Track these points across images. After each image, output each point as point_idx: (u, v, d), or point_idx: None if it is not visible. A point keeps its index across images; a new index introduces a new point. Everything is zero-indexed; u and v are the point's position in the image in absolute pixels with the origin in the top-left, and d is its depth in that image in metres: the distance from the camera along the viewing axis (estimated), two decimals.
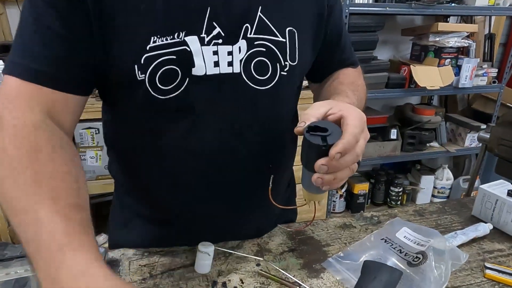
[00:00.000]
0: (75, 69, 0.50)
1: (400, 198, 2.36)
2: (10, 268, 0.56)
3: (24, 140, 0.43)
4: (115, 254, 0.64)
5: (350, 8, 1.76)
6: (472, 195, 1.22)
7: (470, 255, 0.66)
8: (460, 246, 0.68)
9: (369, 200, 2.42)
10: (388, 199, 2.39)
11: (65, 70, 0.49)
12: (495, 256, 0.66)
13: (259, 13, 0.55)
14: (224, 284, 0.57)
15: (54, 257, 0.36)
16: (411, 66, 1.99)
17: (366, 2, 1.85)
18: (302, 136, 0.48)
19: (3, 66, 1.39)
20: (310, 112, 0.50)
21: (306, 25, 0.61)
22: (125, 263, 0.62)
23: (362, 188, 2.28)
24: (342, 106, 0.51)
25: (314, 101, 0.75)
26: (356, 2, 1.82)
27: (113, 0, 0.48)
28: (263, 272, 0.60)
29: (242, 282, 0.58)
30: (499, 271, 0.61)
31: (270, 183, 0.58)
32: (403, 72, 2.06)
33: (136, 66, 0.50)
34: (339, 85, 0.67)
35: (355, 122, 0.48)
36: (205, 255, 0.58)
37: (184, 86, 0.53)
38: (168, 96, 0.53)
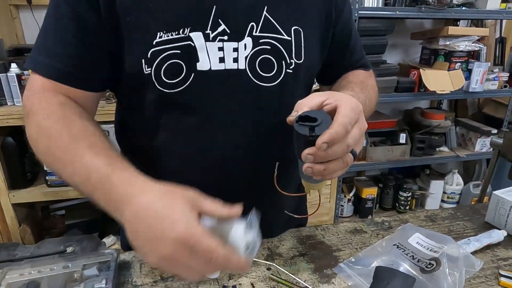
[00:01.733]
0: (92, 67, 0.55)
1: (409, 203, 2.34)
2: (23, 269, 0.57)
3: (54, 114, 0.51)
4: (126, 256, 0.64)
5: (360, 12, 1.76)
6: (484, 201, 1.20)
7: (484, 262, 0.65)
8: (473, 253, 0.67)
9: (378, 205, 2.40)
10: (397, 204, 2.36)
11: (82, 69, 0.54)
12: (510, 264, 0.65)
13: (264, 12, 0.56)
14: (234, 287, 0.57)
15: (105, 184, 0.45)
16: (421, 70, 1.98)
17: (375, 6, 1.84)
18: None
19: (16, 69, 1.42)
20: (304, 101, 0.49)
21: (313, 25, 0.62)
22: (136, 265, 0.62)
23: (370, 192, 2.26)
24: (338, 96, 0.49)
25: None
26: (366, 6, 1.82)
27: (124, 2, 0.52)
28: (273, 277, 0.59)
29: (253, 286, 0.58)
30: None
31: (276, 170, 0.57)
32: (413, 76, 2.05)
33: (143, 60, 0.53)
34: (347, 84, 0.67)
35: (346, 112, 0.46)
36: None
37: (189, 81, 0.55)
38: (173, 90, 0.55)
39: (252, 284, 0.58)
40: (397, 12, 1.82)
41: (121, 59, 0.54)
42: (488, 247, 0.69)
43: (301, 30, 0.60)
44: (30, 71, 0.56)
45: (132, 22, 0.52)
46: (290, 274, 0.60)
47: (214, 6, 0.54)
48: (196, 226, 0.39)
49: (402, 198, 2.32)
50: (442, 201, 2.42)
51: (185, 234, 0.38)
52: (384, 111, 2.32)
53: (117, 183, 0.44)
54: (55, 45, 0.53)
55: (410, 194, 2.32)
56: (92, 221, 1.78)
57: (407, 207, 2.34)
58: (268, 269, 0.62)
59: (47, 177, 1.55)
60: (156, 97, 0.56)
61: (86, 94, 0.57)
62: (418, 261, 0.60)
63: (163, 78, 0.54)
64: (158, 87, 0.55)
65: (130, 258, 0.64)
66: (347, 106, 0.47)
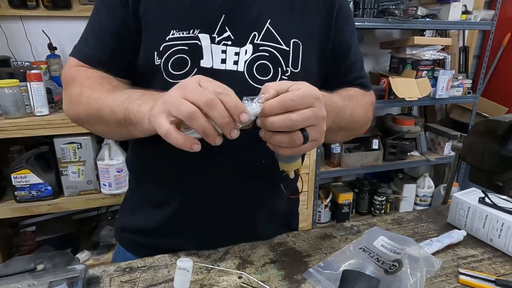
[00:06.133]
0: (118, 56, 0.64)
1: (383, 207, 2.40)
2: None
3: (93, 77, 0.63)
4: (95, 271, 0.64)
5: None
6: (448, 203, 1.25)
7: (445, 261, 0.68)
8: (435, 253, 0.70)
9: (354, 210, 2.46)
10: (372, 208, 2.42)
11: (112, 57, 0.64)
12: (468, 262, 0.69)
13: (267, 24, 0.63)
14: None
15: (139, 105, 0.55)
16: (390, 78, 2.05)
17: None
18: None
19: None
20: (272, 84, 0.51)
21: (312, 39, 0.67)
22: (105, 280, 0.62)
23: (346, 198, 2.31)
24: (304, 85, 0.51)
25: None
26: None
27: (147, 2, 0.62)
28: (244, 285, 0.60)
29: None
30: (472, 277, 0.63)
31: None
32: (383, 84, 2.13)
33: (155, 52, 0.61)
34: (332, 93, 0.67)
35: (294, 91, 0.48)
36: (184, 272, 0.58)
37: (192, 74, 0.61)
38: (178, 81, 0.57)
39: None
40: (365, 23, 1.89)
41: (138, 51, 0.63)
42: (449, 246, 0.73)
43: (300, 43, 0.65)
44: (70, 57, 0.68)
45: (151, 19, 0.62)
46: (260, 282, 0.61)
47: (223, 15, 0.62)
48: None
49: (377, 202, 2.38)
50: (415, 203, 2.50)
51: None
52: None
53: (144, 105, 0.54)
54: (92, 37, 0.65)
55: (384, 198, 2.38)
56: (65, 236, 1.73)
57: (382, 211, 2.40)
58: (239, 277, 0.63)
59: (15, 193, 1.50)
60: (163, 86, 0.59)
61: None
62: (382, 263, 0.62)
63: (170, 69, 0.61)
64: (165, 77, 0.61)
65: (100, 273, 0.63)
66: (301, 87, 0.49)
